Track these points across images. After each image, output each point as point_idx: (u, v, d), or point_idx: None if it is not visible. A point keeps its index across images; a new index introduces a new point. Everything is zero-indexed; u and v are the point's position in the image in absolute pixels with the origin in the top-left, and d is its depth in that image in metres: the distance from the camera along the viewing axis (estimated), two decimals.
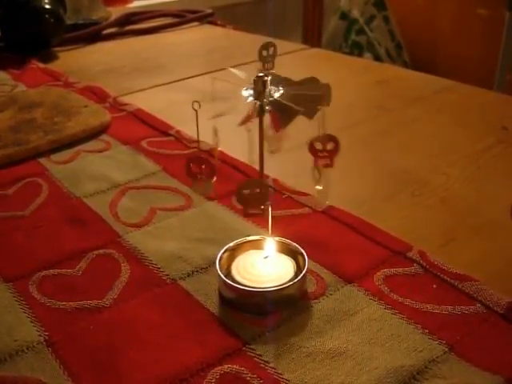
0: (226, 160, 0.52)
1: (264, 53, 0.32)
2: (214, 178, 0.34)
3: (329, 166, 0.34)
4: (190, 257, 0.40)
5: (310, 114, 0.31)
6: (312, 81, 0.33)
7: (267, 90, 0.32)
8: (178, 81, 0.79)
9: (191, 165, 0.34)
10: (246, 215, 0.33)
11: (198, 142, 0.34)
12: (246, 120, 0.31)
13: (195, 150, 0.54)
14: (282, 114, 0.31)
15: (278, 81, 0.33)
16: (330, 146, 0.34)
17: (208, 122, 0.32)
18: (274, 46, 0.32)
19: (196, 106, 0.32)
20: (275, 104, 0.32)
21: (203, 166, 0.34)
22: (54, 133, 0.58)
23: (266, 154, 0.34)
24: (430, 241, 0.41)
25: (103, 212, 0.46)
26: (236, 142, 0.49)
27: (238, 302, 0.34)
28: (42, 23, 0.88)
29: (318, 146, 0.34)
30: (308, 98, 0.32)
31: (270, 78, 0.32)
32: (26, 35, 0.89)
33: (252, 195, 0.33)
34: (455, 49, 2.13)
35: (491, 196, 0.47)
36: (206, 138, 0.34)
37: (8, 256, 0.41)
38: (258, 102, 0.32)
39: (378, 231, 0.41)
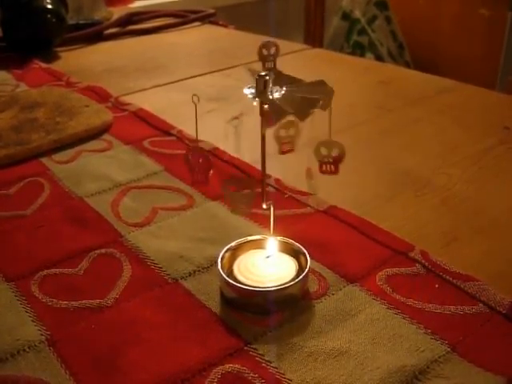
0: (229, 160, 0.52)
1: (264, 51, 0.32)
2: (211, 172, 0.34)
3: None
4: (191, 256, 0.40)
5: (302, 117, 0.31)
6: (320, 83, 0.33)
7: (268, 89, 0.32)
8: (179, 81, 0.79)
9: (190, 156, 0.34)
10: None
11: (196, 134, 0.34)
12: (236, 117, 0.31)
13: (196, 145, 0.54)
14: (275, 113, 0.31)
15: (284, 80, 0.33)
16: (333, 153, 0.34)
17: (208, 119, 0.32)
18: (276, 45, 0.32)
19: (195, 99, 0.32)
20: (271, 103, 0.32)
21: (200, 160, 0.34)
22: (55, 132, 0.58)
23: (268, 153, 0.34)
24: (432, 241, 0.41)
25: (105, 212, 0.46)
26: (238, 142, 0.48)
27: (240, 302, 0.34)
28: (44, 23, 0.88)
29: (323, 151, 0.34)
30: (304, 100, 0.32)
31: (271, 77, 0.32)
32: (27, 35, 0.90)
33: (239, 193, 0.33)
34: (457, 49, 2.13)
35: (493, 196, 0.47)
36: (205, 134, 0.34)
37: (10, 255, 0.40)
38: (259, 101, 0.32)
39: (380, 231, 0.41)
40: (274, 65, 0.33)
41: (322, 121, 0.32)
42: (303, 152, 0.35)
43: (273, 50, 0.32)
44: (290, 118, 0.31)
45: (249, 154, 0.47)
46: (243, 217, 0.44)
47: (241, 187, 0.34)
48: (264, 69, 0.33)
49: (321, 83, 0.33)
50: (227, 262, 0.37)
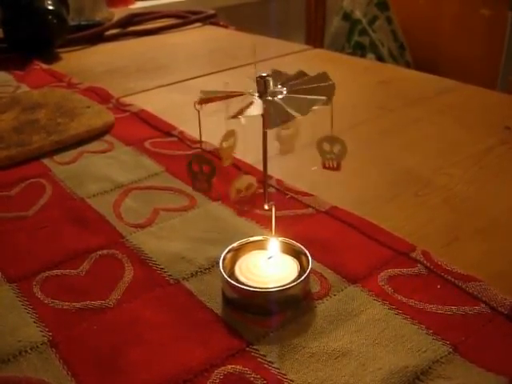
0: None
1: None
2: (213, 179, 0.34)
3: (335, 169, 0.34)
4: (193, 257, 0.40)
5: (326, 102, 0.31)
6: (322, 76, 0.33)
7: (269, 89, 0.32)
8: (180, 81, 0.79)
9: (192, 164, 0.34)
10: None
11: (200, 141, 0.34)
12: (238, 114, 0.31)
13: (198, 149, 0.54)
14: (278, 114, 0.31)
15: (283, 78, 0.33)
16: (335, 149, 0.34)
17: (209, 120, 0.32)
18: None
19: (198, 106, 0.32)
20: (273, 104, 0.32)
21: (204, 166, 0.34)
22: (57, 133, 0.58)
23: (270, 154, 0.34)
24: (434, 241, 0.41)
25: (106, 212, 0.46)
26: (240, 142, 0.49)
27: (242, 303, 0.34)
28: (45, 24, 0.88)
29: (326, 146, 0.34)
30: (305, 99, 0.32)
31: (271, 78, 0.32)
32: (28, 36, 0.90)
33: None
34: (458, 49, 2.13)
35: (494, 196, 0.47)
36: (209, 139, 0.34)
37: (11, 257, 0.41)
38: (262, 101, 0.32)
39: (382, 231, 0.41)
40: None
41: (323, 121, 0.32)
42: (305, 153, 0.35)
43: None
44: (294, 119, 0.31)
45: (251, 155, 0.47)
46: (240, 217, 0.44)
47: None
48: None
49: (323, 77, 0.33)
50: (229, 263, 0.37)
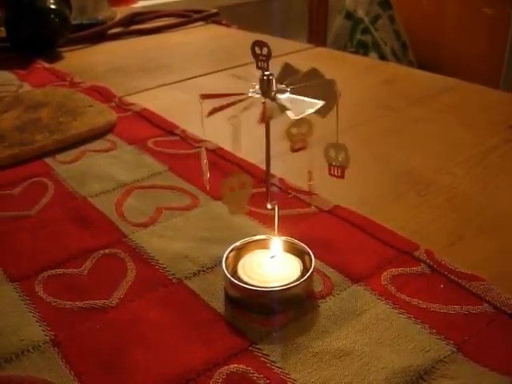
0: (232, 160, 0.52)
1: (257, 50, 0.32)
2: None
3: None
4: (195, 256, 0.40)
5: (324, 112, 0.31)
6: (314, 72, 0.33)
7: (273, 89, 0.32)
8: (183, 80, 0.79)
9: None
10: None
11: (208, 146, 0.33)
12: (263, 117, 0.31)
13: (199, 148, 0.54)
14: (297, 108, 0.31)
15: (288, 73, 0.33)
16: (340, 157, 0.34)
17: (211, 119, 0.32)
18: (266, 45, 0.32)
19: (202, 103, 0.32)
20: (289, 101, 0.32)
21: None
22: (59, 133, 0.58)
23: (272, 153, 0.34)
24: (437, 240, 0.41)
25: (109, 212, 0.45)
26: (242, 142, 0.48)
27: (245, 302, 0.34)
28: (48, 23, 0.88)
29: (332, 153, 0.34)
30: (306, 103, 0.32)
31: (275, 77, 0.32)
32: (31, 35, 0.90)
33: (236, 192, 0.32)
34: (461, 48, 2.12)
35: (498, 195, 0.47)
36: (209, 134, 0.34)
37: (14, 256, 0.40)
38: (266, 100, 0.32)
39: (385, 231, 0.41)
40: (267, 66, 0.32)
41: (326, 120, 0.32)
42: (307, 152, 0.35)
43: (265, 51, 0.32)
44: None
45: (253, 154, 0.47)
46: (243, 216, 0.44)
47: (238, 185, 0.33)
48: (257, 68, 0.32)
49: (314, 72, 0.33)
50: (232, 262, 0.37)
